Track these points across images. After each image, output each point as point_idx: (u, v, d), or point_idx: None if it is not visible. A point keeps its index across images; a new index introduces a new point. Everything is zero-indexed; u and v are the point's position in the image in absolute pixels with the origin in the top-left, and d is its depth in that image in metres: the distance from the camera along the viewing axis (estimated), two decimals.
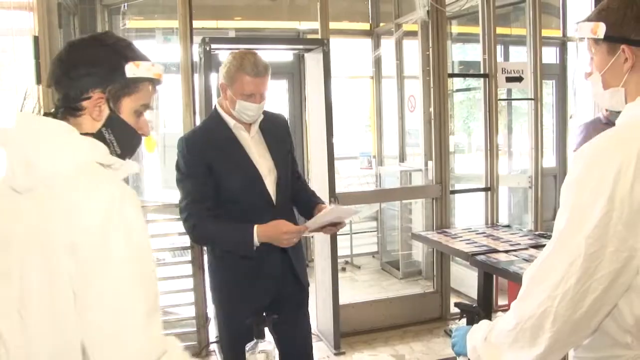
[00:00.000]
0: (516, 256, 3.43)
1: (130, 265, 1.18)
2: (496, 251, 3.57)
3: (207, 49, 3.79)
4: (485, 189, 4.64)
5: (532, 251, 3.53)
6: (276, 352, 1.65)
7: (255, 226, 2.19)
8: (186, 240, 3.94)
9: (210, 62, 3.83)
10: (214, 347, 4.04)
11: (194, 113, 3.87)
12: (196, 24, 4.12)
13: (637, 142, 1.21)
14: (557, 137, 7.10)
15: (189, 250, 3.97)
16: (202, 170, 2.28)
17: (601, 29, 1.32)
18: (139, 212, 1.23)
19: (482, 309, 4.30)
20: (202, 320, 4.00)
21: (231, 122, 2.36)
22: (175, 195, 4.38)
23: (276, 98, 6.05)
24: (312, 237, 4.27)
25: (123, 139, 1.34)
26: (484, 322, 1.47)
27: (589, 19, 1.36)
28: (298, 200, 2.59)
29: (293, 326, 2.48)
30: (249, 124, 2.38)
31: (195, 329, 4.00)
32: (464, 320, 1.69)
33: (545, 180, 5.04)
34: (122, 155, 1.34)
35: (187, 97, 3.84)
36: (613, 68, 1.34)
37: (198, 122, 3.82)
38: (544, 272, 1.27)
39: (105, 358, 1.18)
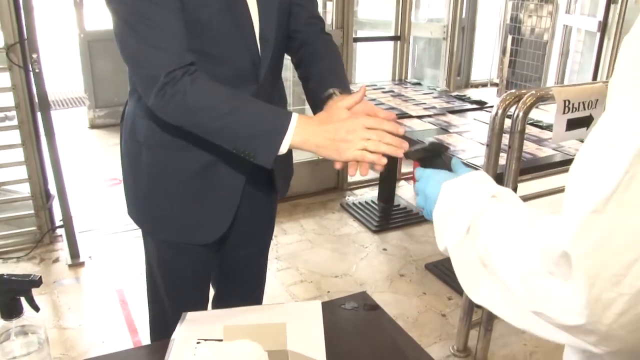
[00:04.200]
0: (432, 124, 2.80)
1: None
2: (408, 116, 2.93)
3: None
4: (395, 38, 3.89)
5: (450, 117, 2.92)
6: (44, 324, 0.91)
7: (296, 116, 1.18)
8: (8, 99, 2.96)
9: None
10: (61, 232, 3.25)
11: None
12: None
13: None
14: None
15: (15, 112, 2.99)
16: None
17: None
18: None
19: (387, 177, 3.80)
20: (40, 200, 3.15)
21: None
22: None
23: None
24: None
25: None
26: (478, 181, 0.83)
27: None
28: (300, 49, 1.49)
29: (245, 263, 1.70)
30: None
31: (33, 211, 3.16)
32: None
33: None
34: None
35: None
36: None
37: None
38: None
39: None
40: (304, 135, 1.16)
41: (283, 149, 1.17)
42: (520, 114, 1.94)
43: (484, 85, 7.25)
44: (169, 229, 1.45)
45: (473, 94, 6.71)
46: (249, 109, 1.20)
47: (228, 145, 1.21)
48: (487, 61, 7.34)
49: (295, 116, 1.17)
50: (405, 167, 4.18)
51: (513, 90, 2.04)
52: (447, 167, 0.95)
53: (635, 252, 0.54)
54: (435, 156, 0.97)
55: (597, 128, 0.59)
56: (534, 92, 1.97)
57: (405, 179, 4.19)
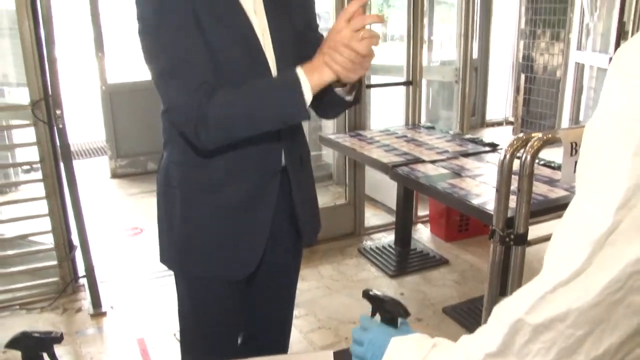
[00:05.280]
0: (445, 168, 2.84)
1: None
2: (421, 161, 2.97)
3: None
4: (407, 83, 3.97)
5: (463, 161, 2.95)
6: None
7: (298, 68, 1.30)
8: (34, 154, 3.07)
9: None
10: (83, 281, 3.31)
11: None
12: None
13: None
14: (481, 25, 6.49)
15: (39, 165, 3.10)
16: (188, 18, 1.32)
17: None
18: None
19: (403, 221, 3.82)
20: (63, 251, 3.23)
21: None
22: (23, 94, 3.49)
23: None
24: None
25: None
26: (413, 343, 0.83)
27: None
28: None
29: (271, 314, 1.80)
30: None
31: (56, 262, 3.23)
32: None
33: None
34: None
35: None
36: None
37: None
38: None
39: None
40: (315, 75, 1.28)
41: (309, 98, 1.28)
42: (528, 158, 1.97)
43: (500, 124, 7.29)
44: (202, 265, 1.54)
45: (489, 133, 6.76)
46: (261, 90, 1.33)
47: (270, 128, 1.36)
48: (501, 99, 7.40)
49: (299, 69, 1.29)
50: (422, 210, 4.21)
51: (520, 135, 2.07)
52: (394, 322, 0.98)
53: (584, 329, 0.60)
54: (391, 317, 0.98)
55: (568, 211, 0.64)
56: (540, 135, 2.00)
57: (422, 223, 4.20)
